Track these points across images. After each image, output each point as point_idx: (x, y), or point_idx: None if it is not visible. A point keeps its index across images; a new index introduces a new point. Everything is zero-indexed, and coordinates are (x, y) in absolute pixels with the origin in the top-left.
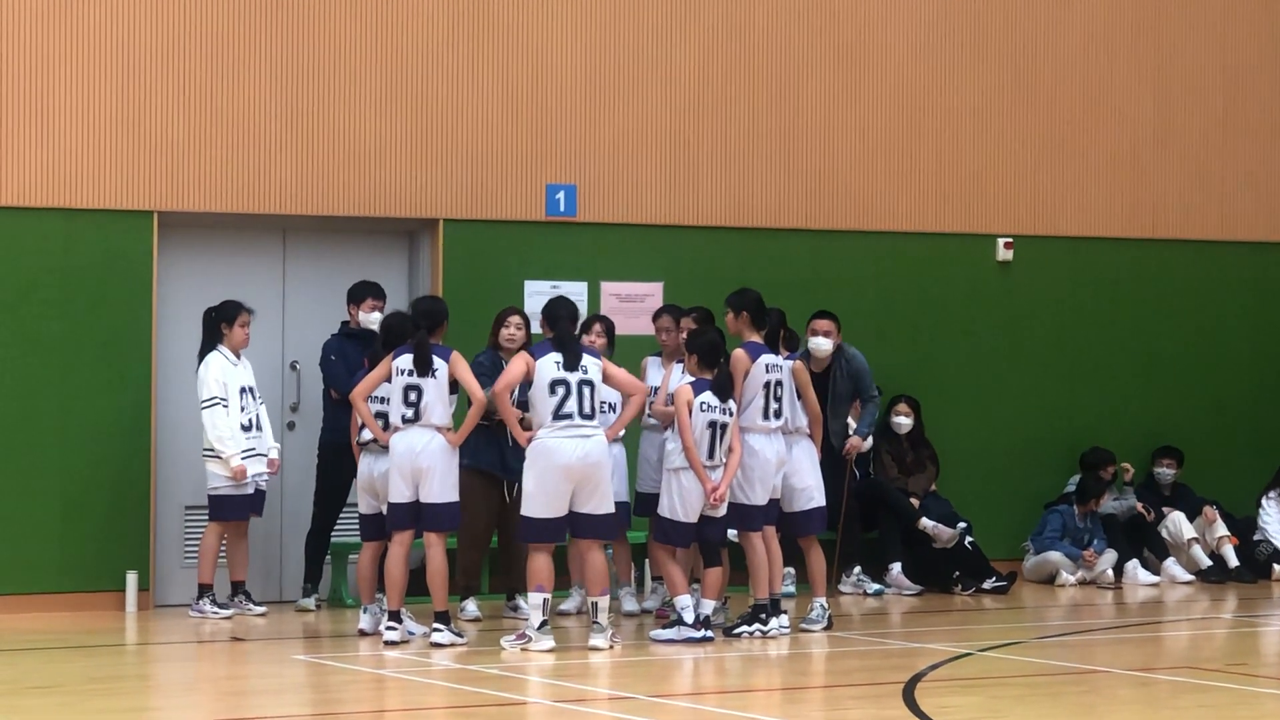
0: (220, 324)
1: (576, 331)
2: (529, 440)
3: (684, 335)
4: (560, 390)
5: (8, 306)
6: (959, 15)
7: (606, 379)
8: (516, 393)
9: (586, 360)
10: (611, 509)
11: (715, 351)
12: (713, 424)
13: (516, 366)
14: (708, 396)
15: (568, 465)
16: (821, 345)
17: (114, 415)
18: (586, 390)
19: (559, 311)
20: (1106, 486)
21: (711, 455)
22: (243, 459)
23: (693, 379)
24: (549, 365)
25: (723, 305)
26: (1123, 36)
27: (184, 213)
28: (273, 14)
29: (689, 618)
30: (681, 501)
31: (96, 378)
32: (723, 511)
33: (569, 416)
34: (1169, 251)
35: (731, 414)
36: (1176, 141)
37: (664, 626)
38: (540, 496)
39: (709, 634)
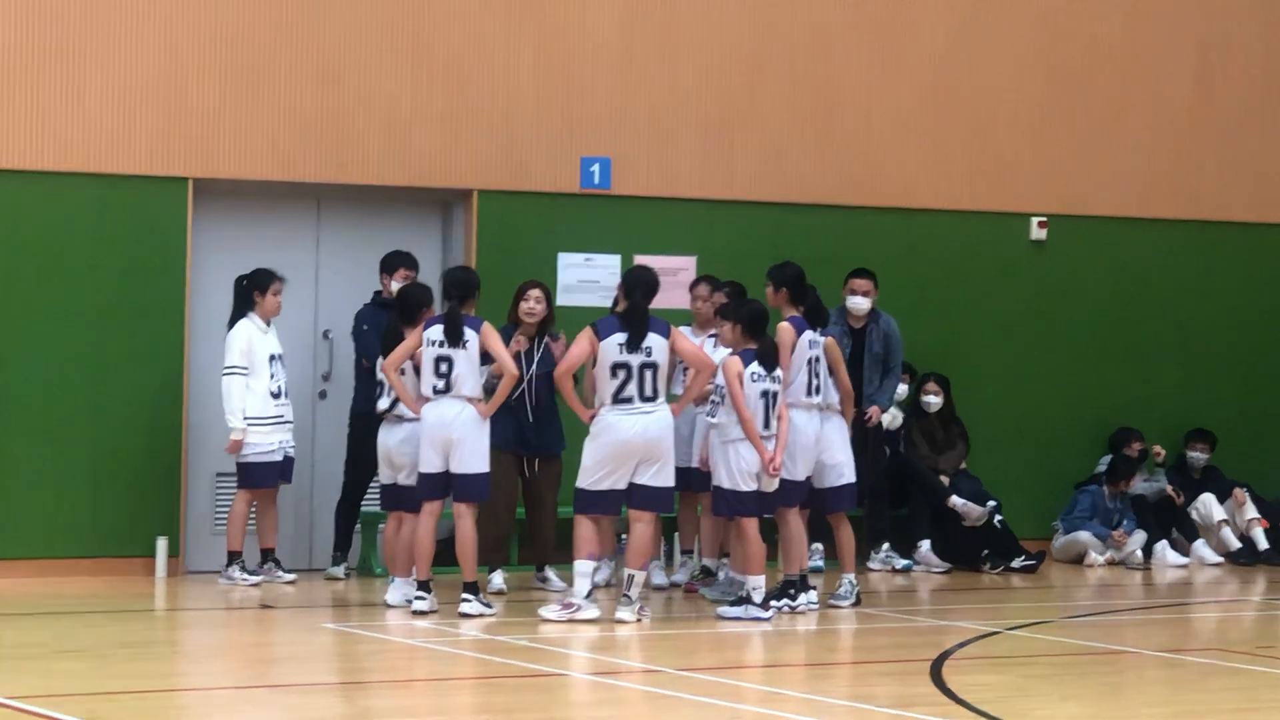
0: (253, 291)
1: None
2: (591, 417)
3: (709, 306)
4: (621, 374)
5: (41, 271)
6: None
7: (675, 352)
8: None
9: (653, 339)
10: (671, 483)
11: (762, 321)
12: (765, 393)
13: (580, 347)
14: (756, 367)
15: (629, 440)
16: (859, 304)
17: (146, 382)
18: (649, 374)
19: (635, 284)
20: (1137, 466)
21: (766, 425)
22: (270, 426)
23: (733, 351)
24: (613, 347)
25: (763, 279)
26: (1162, 16)
27: (218, 180)
28: None
29: (758, 598)
30: (739, 473)
31: (129, 344)
32: (775, 485)
33: (629, 400)
34: (1205, 233)
35: (779, 382)
36: (1214, 122)
37: (732, 604)
38: (596, 470)
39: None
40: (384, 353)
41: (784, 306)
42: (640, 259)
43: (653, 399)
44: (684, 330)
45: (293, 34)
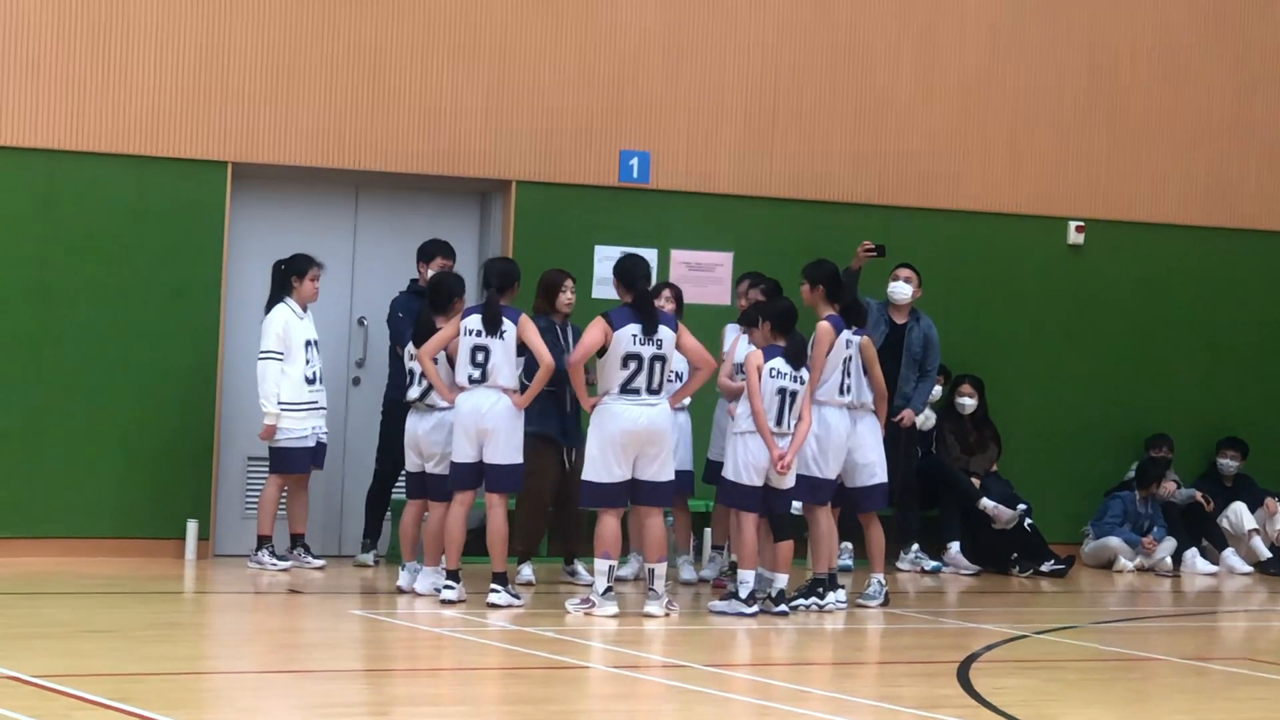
0: (290, 277)
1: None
2: (593, 406)
3: (743, 304)
4: (633, 365)
5: (79, 251)
6: None
7: (678, 347)
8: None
9: (663, 331)
10: (671, 477)
11: (790, 318)
12: (782, 390)
13: (593, 336)
14: (778, 363)
15: (629, 430)
16: (901, 289)
17: (180, 364)
18: (658, 365)
19: (636, 272)
20: (1165, 469)
21: (780, 422)
22: (304, 411)
23: (760, 346)
24: (627, 337)
25: (799, 276)
26: (1201, 22)
27: (257, 164)
28: None
29: (743, 593)
30: (745, 465)
31: (164, 326)
32: (789, 482)
33: (636, 391)
34: (1243, 241)
35: (803, 382)
36: (1255, 130)
37: (721, 598)
38: (601, 460)
39: (775, 609)
40: (414, 340)
41: (820, 305)
42: (677, 254)
43: (657, 392)
44: (732, 327)
45: (335, 21)
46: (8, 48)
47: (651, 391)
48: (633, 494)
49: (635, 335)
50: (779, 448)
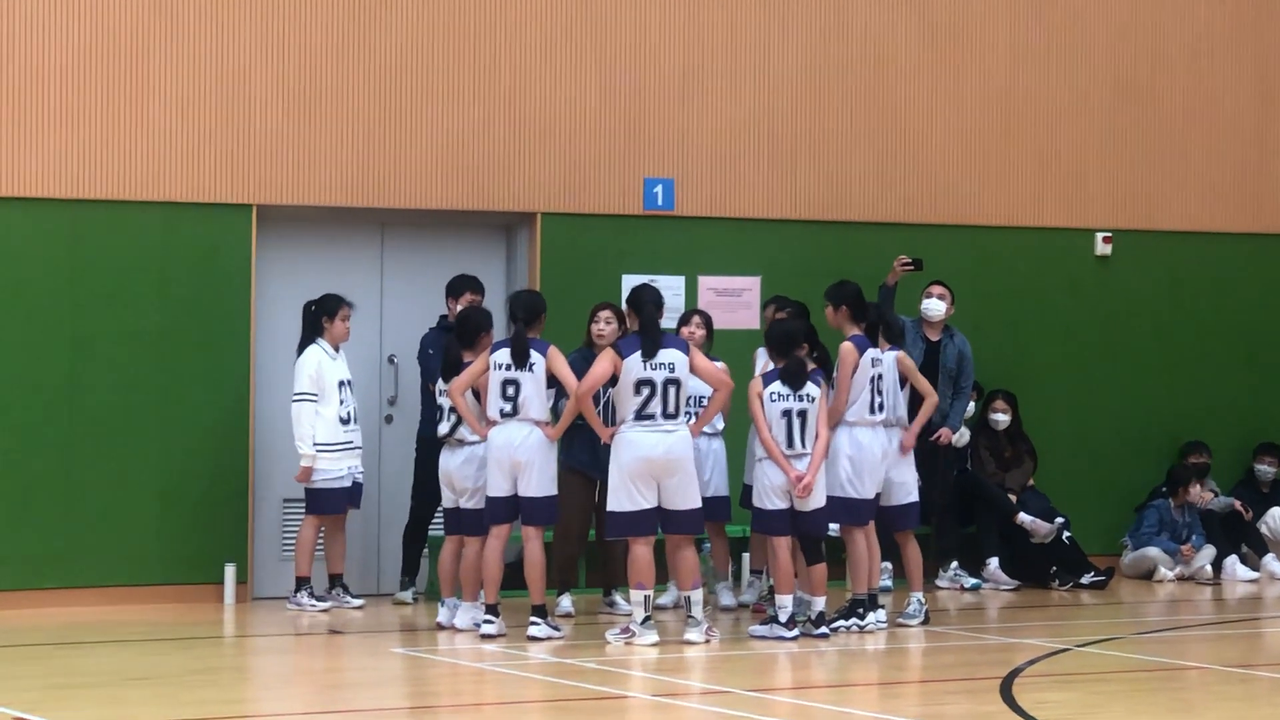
0: (321, 317)
1: (662, 318)
2: (611, 435)
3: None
4: (645, 390)
5: (108, 299)
6: (1057, 10)
7: (693, 370)
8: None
9: (672, 355)
10: (697, 504)
11: (785, 341)
12: (787, 412)
13: (602, 366)
14: (777, 386)
15: (649, 459)
16: (934, 306)
17: (212, 408)
18: (672, 390)
19: (643, 297)
20: (1195, 473)
21: (792, 444)
22: (340, 451)
23: (766, 370)
24: (635, 363)
25: (822, 299)
26: (1225, 30)
27: (282, 206)
28: (372, 8)
29: (783, 617)
30: (766, 490)
31: (195, 371)
32: (814, 503)
33: (651, 417)
34: (1271, 245)
35: (810, 400)
36: (1279, 135)
37: (761, 622)
38: (622, 490)
39: (815, 631)
40: (444, 375)
41: (845, 325)
42: (704, 280)
43: (674, 417)
44: (762, 351)
45: (354, 60)
46: (32, 100)
47: (668, 416)
48: (662, 523)
49: (641, 360)
50: (796, 469)
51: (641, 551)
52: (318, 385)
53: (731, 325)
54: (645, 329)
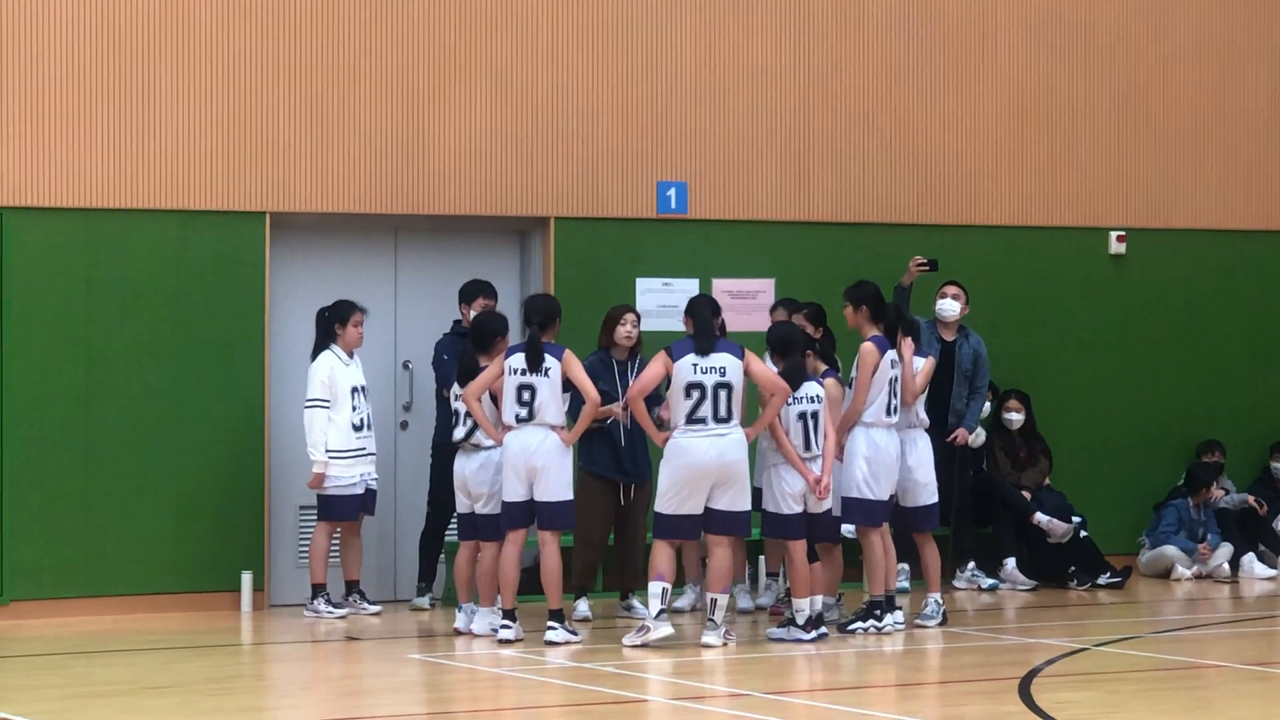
0: (334, 324)
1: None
2: (664, 440)
3: None
4: (695, 394)
5: (122, 308)
6: (1070, 8)
7: (749, 374)
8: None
9: (724, 358)
10: (747, 507)
11: (783, 344)
12: (802, 415)
13: (654, 369)
14: None
15: (702, 464)
16: (949, 306)
17: (227, 416)
18: (723, 394)
19: (698, 302)
20: (1215, 474)
21: (808, 447)
22: (352, 458)
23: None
24: (686, 367)
25: (841, 299)
26: (1235, 27)
27: (296, 213)
28: (383, 14)
29: (800, 620)
30: (783, 495)
31: (210, 379)
32: (826, 504)
33: (703, 421)
34: None
35: (819, 401)
36: None
37: (779, 625)
38: (672, 494)
39: (823, 632)
40: (459, 381)
41: (864, 326)
42: (719, 283)
43: (726, 420)
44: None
45: (367, 66)
46: (45, 110)
47: (719, 420)
48: (705, 522)
49: (695, 363)
50: (814, 473)
51: (666, 548)
52: (330, 391)
53: (746, 328)
54: (700, 330)
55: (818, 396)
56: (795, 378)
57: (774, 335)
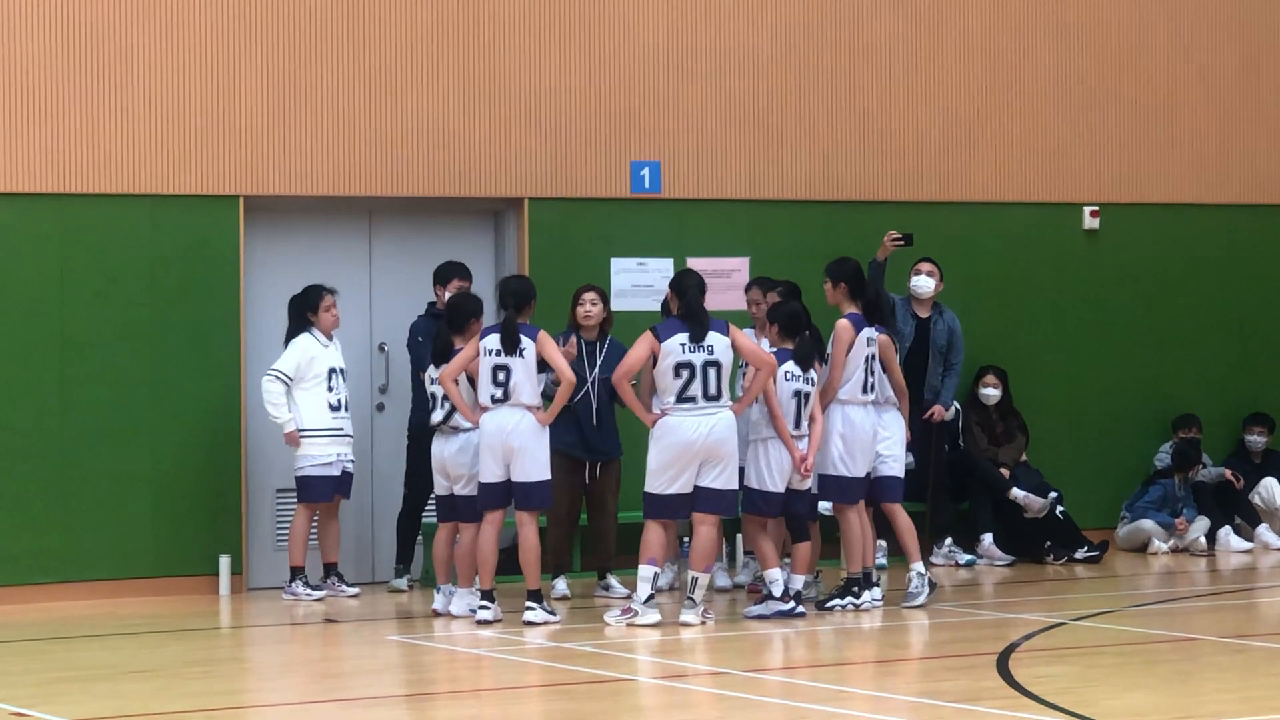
0: (305, 312)
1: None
2: (654, 421)
3: (762, 309)
4: (685, 373)
5: (97, 294)
6: None
7: (735, 349)
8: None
9: (714, 337)
10: (734, 485)
11: (795, 321)
12: (797, 393)
13: (639, 350)
14: (790, 366)
15: (691, 442)
16: (924, 283)
17: (204, 400)
18: (712, 372)
19: (686, 281)
20: (1199, 450)
21: (797, 425)
22: (328, 437)
23: (774, 350)
24: (675, 347)
25: (818, 277)
26: (1207, 3)
27: (269, 196)
28: None
29: (777, 591)
30: (769, 471)
31: (186, 363)
32: (810, 484)
33: (692, 400)
34: (1258, 217)
35: (813, 383)
36: (1263, 105)
37: (755, 603)
38: (662, 473)
39: (799, 608)
40: (434, 362)
41: (843, 302)
42: (693, 262)
43: (716, 398)
44: (747, 332)
45: (339, 49)
46: (15, 94)
47: (709, 398)
48: (692, 499)
49: (684, 344)
50: (801, 450)
51: (657, 529)
52: (300, 372)
53: (721, 306)
54: (692, 312)
55: (812, 378)
56: (805, 358)
57: (783, 314)
